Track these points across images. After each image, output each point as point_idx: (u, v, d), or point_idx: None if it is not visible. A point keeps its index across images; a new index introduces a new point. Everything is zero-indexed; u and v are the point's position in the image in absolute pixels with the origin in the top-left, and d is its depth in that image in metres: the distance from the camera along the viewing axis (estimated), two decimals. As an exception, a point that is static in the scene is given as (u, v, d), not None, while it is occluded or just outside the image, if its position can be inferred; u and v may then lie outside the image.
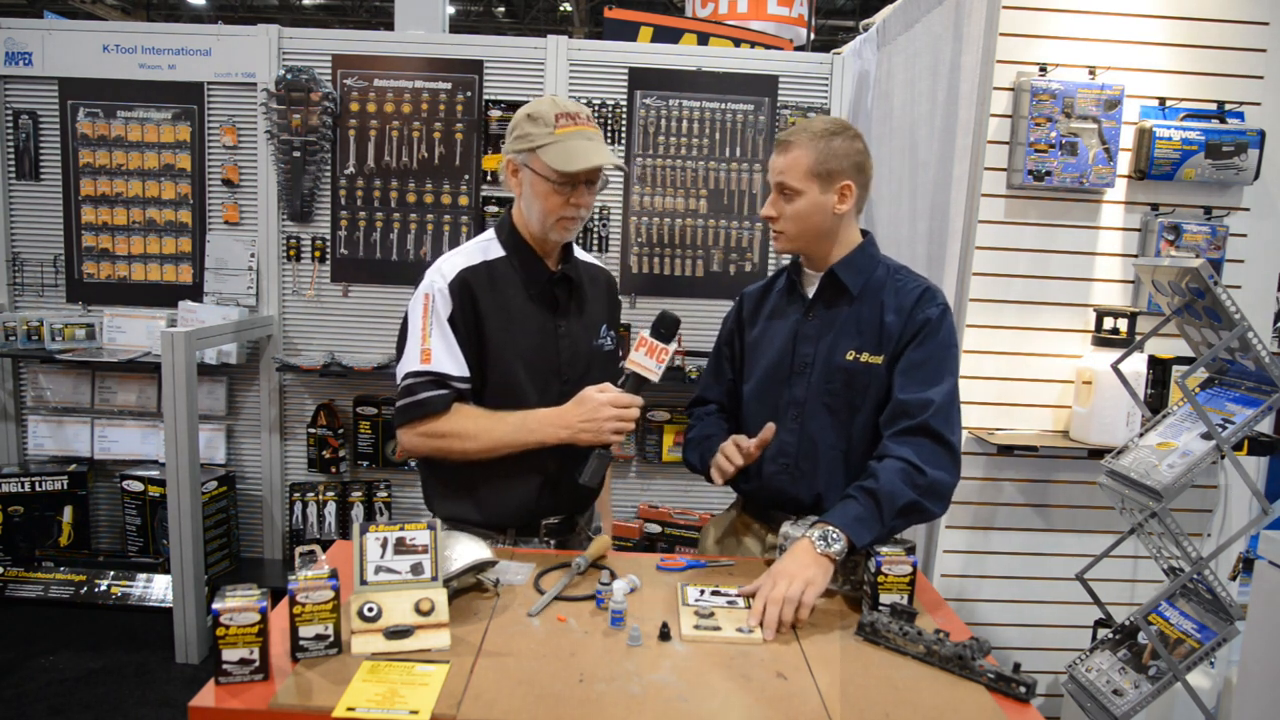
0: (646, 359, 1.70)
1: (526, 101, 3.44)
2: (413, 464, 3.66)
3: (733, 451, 1.76)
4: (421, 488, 1.95)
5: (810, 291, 1.83)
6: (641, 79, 3.53)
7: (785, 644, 1.45)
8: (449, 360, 1.74)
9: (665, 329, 1.71)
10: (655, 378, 1.71)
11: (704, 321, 3.58)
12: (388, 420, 3.60)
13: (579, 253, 1.96)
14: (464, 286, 1.76)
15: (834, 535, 1.55)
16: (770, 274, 2.06)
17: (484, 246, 1.85)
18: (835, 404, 1.77)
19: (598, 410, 1.69)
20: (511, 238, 1.84)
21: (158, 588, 3.43)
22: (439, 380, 1.73)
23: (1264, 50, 2.39)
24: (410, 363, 1.75)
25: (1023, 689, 1.30)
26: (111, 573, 3.48)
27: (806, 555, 1.54)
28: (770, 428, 1.72)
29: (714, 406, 2.02)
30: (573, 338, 1.86)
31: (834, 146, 1.71)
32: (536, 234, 1.82)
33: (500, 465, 1.77)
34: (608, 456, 1.71)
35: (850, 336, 1.77)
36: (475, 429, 1.73)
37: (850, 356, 1.76)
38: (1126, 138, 2.41)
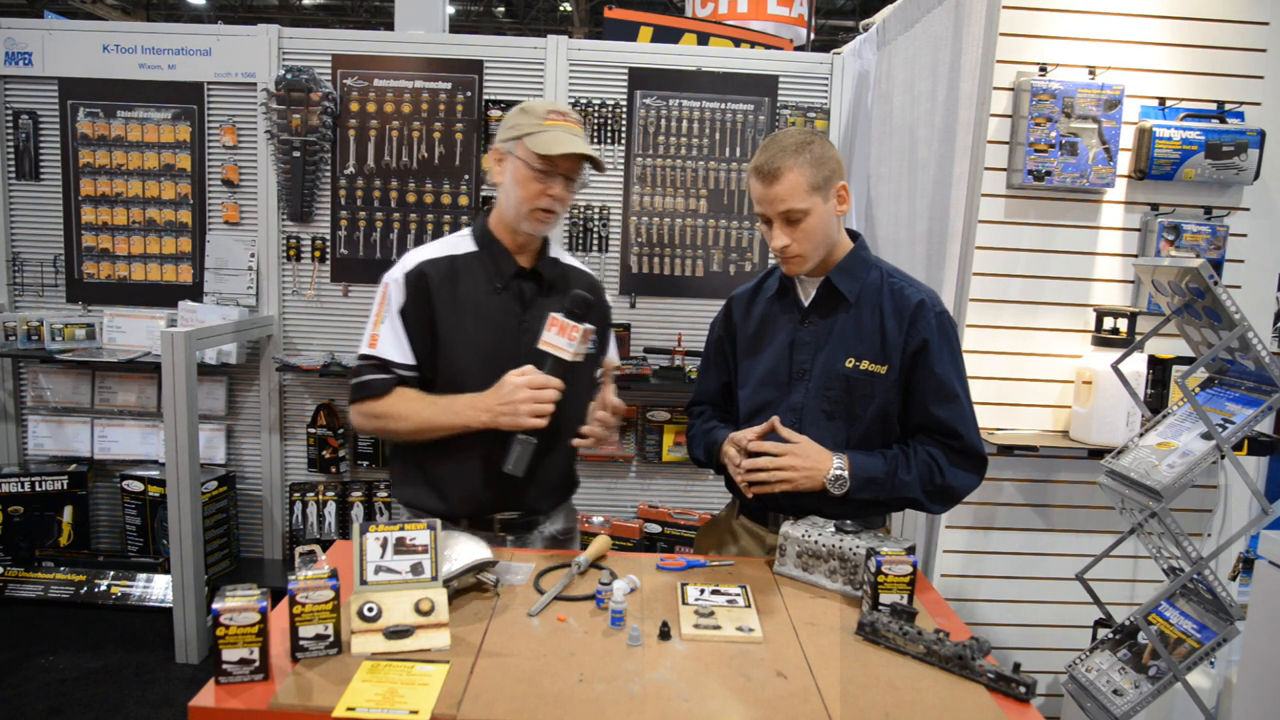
0: (558, 338, 1.71)
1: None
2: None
3: (734, 454, 1.77)
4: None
5: (806, 298, 1.84)
6: (641, 79, 3.53)
7: (785, 644, 1.45)
8: (393, 347, 1.83)
9: (576, 309, 1.73)
10: (568, 356, 1.71)
11: (704, 321, 3.56)
12: (388, 420, 3.60)
13: (567, 257, 2.00)
14: (420, 279, 1.83)
15: (844, 481, 1.71)
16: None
17: (455, 242, 1.92)
18: (835, 411, 1.78)
19: (513, 393, 1.71)
20: (484, 235, 1.90)
21: (158, 588, 3.43)
22: (382, 365, 1.83)
23: (1264, 50, 2.40)
24: (361, 347, 1.86)
25: (1023, 689, 1.30)
26: (111, 573, 3.48)
27: (821, 470, 1.70)
28: (773, 421, 1.74)
29: (709, 408, 2.03)
30: (535, 332, 1.84)
31: (817, 154, 1.71)
32: (510, 223, 1.85)
33: (447, 448, 1.82)
34: (530, 443, 1.70)
35: (849, 344, 1.77)
36: (407, 411, 1.81)
37: (850, 364, 1.76)
38: (1126, 138, 2.42)
